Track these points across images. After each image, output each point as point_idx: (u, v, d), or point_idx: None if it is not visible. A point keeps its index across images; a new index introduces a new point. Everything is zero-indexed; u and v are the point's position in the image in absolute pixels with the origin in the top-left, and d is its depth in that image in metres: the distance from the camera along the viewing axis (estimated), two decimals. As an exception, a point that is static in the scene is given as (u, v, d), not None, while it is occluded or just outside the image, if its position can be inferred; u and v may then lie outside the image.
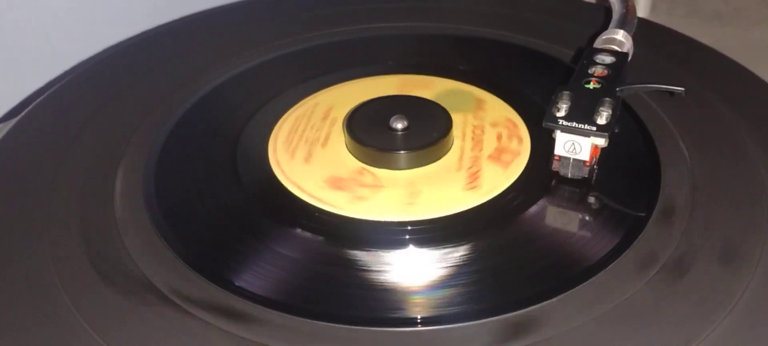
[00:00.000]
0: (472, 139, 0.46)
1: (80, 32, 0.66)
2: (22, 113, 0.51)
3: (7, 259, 0.39)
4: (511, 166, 0.44)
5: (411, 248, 0.39)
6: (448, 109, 0.47)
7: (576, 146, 0.41)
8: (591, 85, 0.42)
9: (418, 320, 0.35)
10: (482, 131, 0.47)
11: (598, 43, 0.47)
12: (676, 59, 0.54)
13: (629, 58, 0.47)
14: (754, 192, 0.41)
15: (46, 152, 0.47)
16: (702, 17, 0.69)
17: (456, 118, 0.47)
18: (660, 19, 0.69)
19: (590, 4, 0.64)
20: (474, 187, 0.43)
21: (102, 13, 0.67)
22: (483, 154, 0.45)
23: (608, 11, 0.54)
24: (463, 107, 0.49)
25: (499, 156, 0.45)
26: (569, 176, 0.42)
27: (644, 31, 0.52)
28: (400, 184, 0.43)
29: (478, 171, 0.44)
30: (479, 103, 0.50)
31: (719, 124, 0.47)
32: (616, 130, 0.45)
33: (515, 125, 0.48)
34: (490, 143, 0.46)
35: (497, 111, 0.49)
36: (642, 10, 0.69)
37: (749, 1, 0.70)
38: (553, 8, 0.63)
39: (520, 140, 0.46)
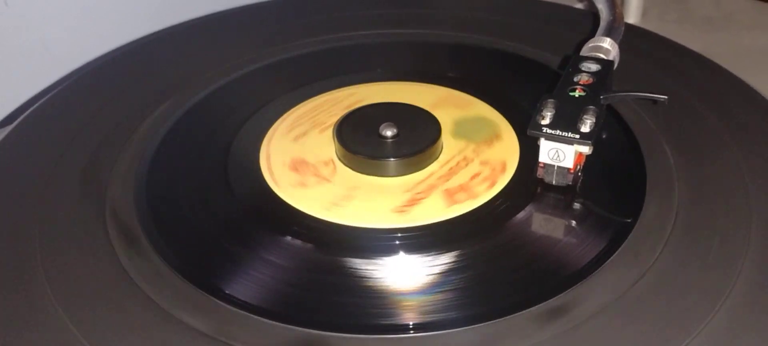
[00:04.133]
0: (450, 168, 0.46)
1: (76, 39, 0.67)
2: (16, 122, 0.52)
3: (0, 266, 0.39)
4: (455, 206, 0.42)
5: (408, 254, 0.40)
6: (461, 134, 0.47)
7: (560, 154, 0.41)
8: (576, 93, 0.43)
9: (411, 327, 0.35)
10: (466, 165, 0.46)
11: (584, 51, 0.48)
12: (663, 65, 0.55)
13: (615, 66, 0.47)
14: (738, 196, 0.42)
15: (39, 161, 0.47)
16: (693, 23, 0.69)
17: (459, 143, 0.47)
18: (651, 25, 0.69)
19: (580, 10, 0.65)
20: (402, 212, 0.42)
21: (98, 19, 0.67)
22: (440, 185, 0.44)
23: (597, 17, 0.54)
24: (474, 137, 0.48)
25: (452, 194, 0.43)
26: (554, 183, 0.42)
27: (632, 37, 0.53)
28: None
29: (421, 199, 0.43)
30: (493, 139, 0.48)
31: (704, 129, 0.48)
32: (604, 137, 0.46)
33: (502, 170, 0.45)
34: (458, 179, 0.45)
35: (500, 152, 0.47)
36: (633, 15, 0.70)
37: (740, 6, 0.71)
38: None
39: (490, 186, 0.44)
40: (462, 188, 0.44)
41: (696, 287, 0.36)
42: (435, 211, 0.42)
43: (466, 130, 0.48)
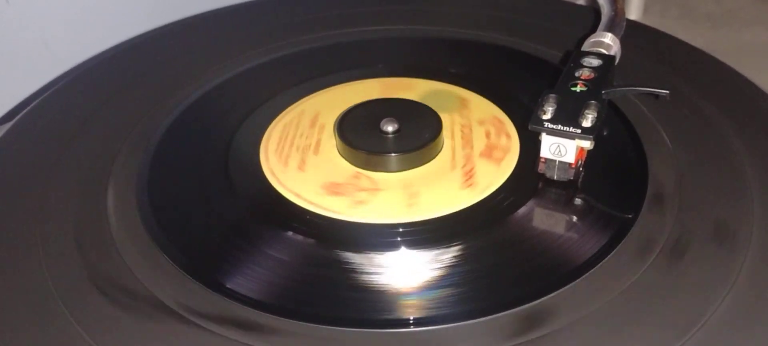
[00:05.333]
0: (462, 137, 0.47)
1: (76, 36, 0.67)
2: (16, 118, 0.52)
3: (0, 268, 0.39)
4: (503, 163, 0.45)
5: (412, 249, 0.39)
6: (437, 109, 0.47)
7: (561, 149, 0.41)
8: (577, 88, 0.43)
9: (411, 321, 0.35)
10: (470, 130, 0.48)
11: (585, 46, 0.48)
12: (664, 61, 0.55)
13: (617, 61, 0.47)
14: (739, 192, 0.42)
15: (39, 158, 0.47)
16: (694, 19, 0.69)
17: (443, 117, 0.47)
18: (652, 21, 0.69)
19: (581, 6, 0.65)
20: (471, 185, 0.43)
21: (98, 17, 0.67)
22: (475, 152, 0.46)
23: (599, 13, 0.54)
24: (447, 107, 0.50)
25: (490, 153, 0.46)
26: (555, 178, 0.42)
27: (634, 32, 0.53)
28: (396, 186, 0.44)
29: (472, 169, 0.44)
30: (463, 103, 0.51)
31: (706, 124, 0.47)
32: (605, 133, 0.46)
33: (501, 122, 0.48)
34: (479, 141, 0.47)
35: (483, 109, 0.50)
36: (634, 11, 0.70)
37: (741, 2, 0.71)
38: (545, 10, 0.64)
39: (509, 137, 0.47)
40: (490, 147, 0.46)
41: (696, 283, 0.36)
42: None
43: (436, 104, 0.48)
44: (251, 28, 0.63)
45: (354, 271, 0.38)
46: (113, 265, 0.39)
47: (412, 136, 0.46)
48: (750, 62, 0.56)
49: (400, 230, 0.41)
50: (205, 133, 0.50)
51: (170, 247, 0.40)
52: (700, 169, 0.44)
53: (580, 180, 0.43)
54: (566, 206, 0.42)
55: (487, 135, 0.47)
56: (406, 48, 0.59)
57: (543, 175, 0.43)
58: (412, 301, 0.36)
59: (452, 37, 0.60)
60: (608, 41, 0.48)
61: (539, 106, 0.41)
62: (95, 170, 0.46)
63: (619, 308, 0.35)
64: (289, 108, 0.51)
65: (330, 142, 0.47)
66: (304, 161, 0.46)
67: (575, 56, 0.46)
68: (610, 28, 0.49)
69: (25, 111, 0.52)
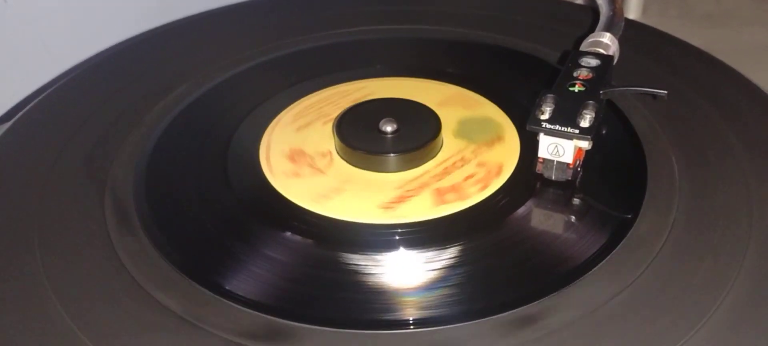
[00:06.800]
0: (445, 168, 0.45)
1: (75, 36, 0.67)
2: (15, 119, 0.52)
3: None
4: (443, 206, 0.42)
5: (410, 250, 0.39)
6: (462, 134, 0.47)
7: (559, 149, 0.41)
8: (575, 88, 0.43)
9: (410, 322, 0.35)
10: (462, 165, 0.45)
11: (584, 46, 0.48)
12: (663, 60, 0.55)
13: (615, 61, 0.47)
14: (738, 191, 0.42)
15: (38, 158, 0.47)
16: (693, 19, 0.69)
17: (459, 143, 0.47)
18: (651, 21, 0.69)
19: (580, 5, 0.65)
20: (389, 208, 0.42)
21: (97, 17, 0.67)
22: (432, 184, 0.44)
23: (597, 13, 0.54)
24: (476, 138, 0.47)
25: (442, 194, 0.43)
26: (553, 178, 0.42)
27: (633, 32, 0.53)
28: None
29: (410, 197, 0.43)
30: (495, 141, 0.47)
31: (704, 124, 0.47)
32: (604, 132, 0.46)
33: (497, 173, 0.44)
34: (451, 179, 0.44)
35: (499, 154, 0.46)
36: (633, 11, 0.70)
37: (740, 2, 0.71)
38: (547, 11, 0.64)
39: (482, 188, 0.43)
40: (453, 188, 0.43)
41: (696, 283, 0.36)
42: (422, 210, 0.42)
43: (468, 130, 0.48)
44: (249, 28, 0.63)
45: (351, 272, 0.38)
46: (111, 266, 0.39)
47: (411, 136, 0.46)
48: (748, 62, 0.56)
49: (399, 230, 0.41)
50: (204, 133, 0.49)
51: (167, 247, 0.40)
52: (699, 168, 0.44)
53: (578, 180, 0.43)
54: (565, 206, 0.42)
55: (466, 178, 0.44)
56: (403, 48, 0.59)
57: (541, 175, 0.43)
58: (411, 302, 0.36)
59: (449, 38, 0.60)
60: (606, 41, 0.48)
61: (537, 107, 0.41)
62: (93, 170, 0.46)
63: (619, 309, 0.35)
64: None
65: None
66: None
67: (573, 56, 0.46)
68: (608, 28, 0.49)
69: (23, 111, 0.52)
